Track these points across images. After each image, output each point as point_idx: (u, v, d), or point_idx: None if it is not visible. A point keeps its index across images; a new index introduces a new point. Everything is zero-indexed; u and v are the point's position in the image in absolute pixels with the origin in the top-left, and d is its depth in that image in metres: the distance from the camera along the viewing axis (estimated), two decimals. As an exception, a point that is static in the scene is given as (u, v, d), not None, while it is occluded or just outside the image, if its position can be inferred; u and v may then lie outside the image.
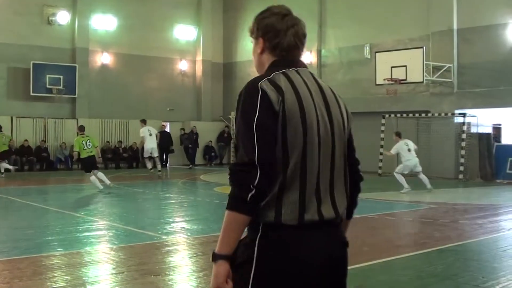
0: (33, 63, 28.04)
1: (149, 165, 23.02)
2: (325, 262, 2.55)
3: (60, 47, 29.41)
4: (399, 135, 18.81)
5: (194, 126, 31.92)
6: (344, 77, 28.31)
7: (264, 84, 2.54)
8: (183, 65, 33.66)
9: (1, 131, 24.72)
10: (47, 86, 28.39)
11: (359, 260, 8.32)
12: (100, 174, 18.50)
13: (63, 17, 29.30)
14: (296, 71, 2.70)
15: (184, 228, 11.84)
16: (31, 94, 28.18)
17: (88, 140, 18.41)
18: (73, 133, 28.94)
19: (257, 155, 2.42)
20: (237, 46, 33.81)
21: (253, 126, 2.46)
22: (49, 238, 10.49)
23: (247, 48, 32.66)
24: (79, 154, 18.34)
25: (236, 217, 2.44)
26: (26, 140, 27.75)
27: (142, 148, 23.50)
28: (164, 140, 28.73)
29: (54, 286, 7.04)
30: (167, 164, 29.84)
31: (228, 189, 2.47)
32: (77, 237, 10.47)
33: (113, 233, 11.08)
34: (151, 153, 22.81)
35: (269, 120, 2.48)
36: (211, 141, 32.96)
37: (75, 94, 29.31)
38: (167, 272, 7.83)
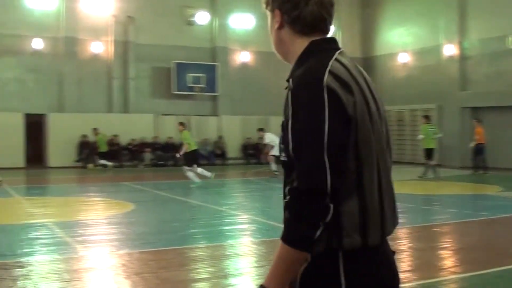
0: (175, 63, 29.11)
1: (274, 166, 22.41)
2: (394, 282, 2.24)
3: (200, 46, 30.33)
4: None
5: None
6: (489, 69, 27.08)
7: (330, 80, 2.03)
8: (321, 61, 33.54)
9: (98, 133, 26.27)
10: (189, 85, 29.37)
11: (507, 262, 7.94)
12: (200, 170, 18.85)
13: (202, 17, 30.16)
14: (340, 53, 2.21)
15: (324, 223, 11.79)
16: (174, 92, 29.29)
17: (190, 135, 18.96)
18: (214, 129, 29.83)
19: (330, 182, 1.97)
20: (376, 40, 33.32)
21: (323, 140, 1.97)
22: (193, 230, 10.83)
23: (386, 41, 32.18)
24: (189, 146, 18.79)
25: (297, 254, 2.04)
26: (170, 137, 28.80)
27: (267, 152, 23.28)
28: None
29: (198, 277, 7.25)
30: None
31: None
32: (220, 230, 10.73)
33: (255, 227, 11.26)
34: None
35: (343, 131, 2.01)
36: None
37: (216, 92, 30.12)
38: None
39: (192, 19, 30.05)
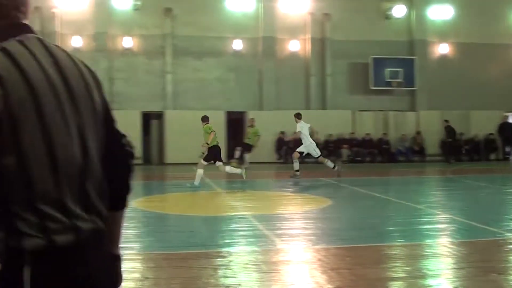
0: (372, 58, 28.91)
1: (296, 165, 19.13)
2: None
3: (397, 40, 29.87)
4: None
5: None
6: None
7: None
8: (526, 51, 31.62)
9: (253, 126, 24.99)
10: (386, 80, 29.07)
11: None
12: (229, 168, 17.67)
13: (399, 10, 29.68)
14: (19, 41, 1.98)
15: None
16: (371, 88, 29.11)
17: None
18: (412, 125, 29.26)
19: None
20: None
21: None
22: (391, 228, 10.66)
23: None
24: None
25: None
26: (368, 133, 28.70)
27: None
28: (507, 131, 27.49)
29: (395, 276, 7.12)
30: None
31: None
32: (418, 229, 10.47)
33: (454, 227, 10.83)
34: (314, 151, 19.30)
35: None
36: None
37: (414, 86, 29.50)
38: (511, 272, 7.41)
39: (389, 12, 29.71)
